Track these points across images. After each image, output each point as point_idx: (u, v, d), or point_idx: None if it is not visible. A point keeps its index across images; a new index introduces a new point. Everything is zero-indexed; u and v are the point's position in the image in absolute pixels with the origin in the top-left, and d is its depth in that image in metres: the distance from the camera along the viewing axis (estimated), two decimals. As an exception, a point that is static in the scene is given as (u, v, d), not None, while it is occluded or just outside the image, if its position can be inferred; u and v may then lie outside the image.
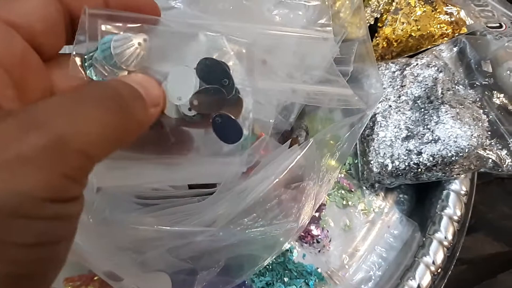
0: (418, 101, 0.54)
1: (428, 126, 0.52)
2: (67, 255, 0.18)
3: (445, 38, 0.59)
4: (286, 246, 0.49)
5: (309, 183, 0.42)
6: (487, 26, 0.61)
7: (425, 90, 0.54)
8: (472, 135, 0.50)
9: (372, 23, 0.59)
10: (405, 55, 0.60)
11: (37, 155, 0.15)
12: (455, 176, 0.53)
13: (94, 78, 0.23)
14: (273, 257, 0.47)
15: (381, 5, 0.59)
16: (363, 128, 0.45)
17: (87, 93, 0.19)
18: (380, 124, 0.54)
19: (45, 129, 0.16)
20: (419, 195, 0.57)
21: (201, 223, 0.35)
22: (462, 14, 0.60)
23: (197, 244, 0.36)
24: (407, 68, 0.56)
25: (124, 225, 0.35)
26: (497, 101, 0.55)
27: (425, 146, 0.51)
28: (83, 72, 0.23)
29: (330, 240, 0.53)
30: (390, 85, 0.56)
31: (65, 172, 0.16)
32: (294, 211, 0.42)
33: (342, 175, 0.56)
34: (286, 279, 0.50)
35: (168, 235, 0.35)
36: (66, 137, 0.16)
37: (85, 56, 0.23)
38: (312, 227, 0.53)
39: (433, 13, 0.59)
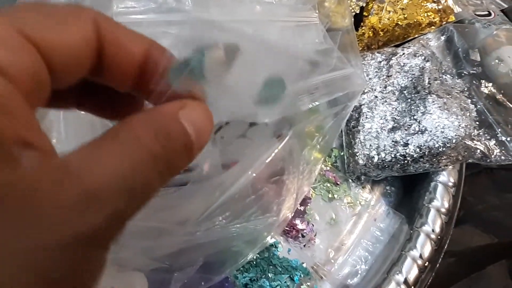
0: (405, 91, 0.53)
1: (415, 117, 0.51)
2: None
3: (433, 27, 0.58)
4: (270, 240, 0.48)
5: (289, 177, 0.40)
6: (475, 14, 0.59)
7: (411, 80, 0.53)
8: (459, 125, 0.49)
9: (358, 12, 0.57)
10: (392, 45, 0.59)
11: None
12: (442, 167, 0.51)
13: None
14: (256, 252, 0.46)
15: (367, -6, 0.58)
16: (346, 119, 0.44)
17: (146, 150, 0.16)
18: (366, 115, 0.53)
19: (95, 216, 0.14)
20: (407, 187, 0.56)
21: (175, 219, 0.34)
22: (450, 2, 0.58)
23: (171, 242, 0.35)
24: (393, 58, 0.54)
25: None
26: (485, 91, 0.54)
27: (412, 137, 0.50)
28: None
29: (315, 234, 0.52)
30: (376, 75, 0.54)
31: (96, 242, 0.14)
32: (275, 205, 0.41)
33: (328, 168, 0.55)
34: (270, 275, 0.49)
35: (140, 232, 0.34)
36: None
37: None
38: (297, 221, 0.51)
39: (420, 1, 0.57)
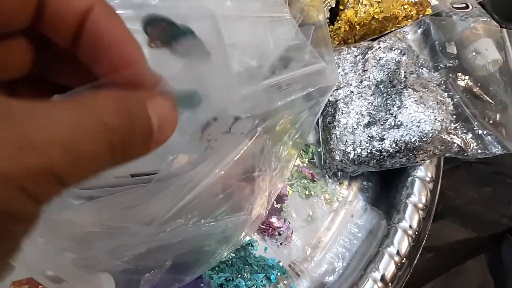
0: (381, 86, 0.52)
1: (391, 111, 0.50)
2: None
3: (409, 20, 0.57)
4: (245, 238, 0.47)
5: (261, 174, 0.40)
6: (452, 6, 0.59)
7: (387, 74, 0.52)
8: (435, 119, 0.48)
9: (334, 5, 0.57)
10: (369, 38, 0.58)
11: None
12: (419, 162, 0.51)
13: None
14: (230, 251, 0.45)
15: (343, -13, 0.57)
16: (318, 114, 0.43)
17: (97, 118, 0.15)
18: (342, 110, 0.52)
19: (33, 157, 0.13)
20: (384, 182, 0.56)
21: (139, 219, 0.33)
22: (427, -6, 0.58)
23: (136, 243, 0.34)
24: (369, 52, 0.54)
25: (60, 224, 0.33)
26: (462, 84, 0.54)
27: (388, 132, 0.49)
28: None
29: (292, 232, 0.51)
30: (352, 70, 0.54)
31: (22, 184, 0.13)
32: (246, 203, 0.40)
33: (305, 165, 0.54)
34: (246, 274, 0.48)
35: (104, 233, 0.33)
36: (33, 142, 0.13)
37: None
38: (274, 219, 0.51)
39: (397, -6, 0.57)
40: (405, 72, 0.52)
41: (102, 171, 0.16)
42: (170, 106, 0.18)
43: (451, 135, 0.50)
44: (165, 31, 0.21)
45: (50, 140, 0.14)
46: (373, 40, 0.57)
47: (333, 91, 0.53)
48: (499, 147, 0.50)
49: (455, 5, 0.59)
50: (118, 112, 0.16)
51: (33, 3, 0.17)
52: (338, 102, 0.53)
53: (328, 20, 0.56)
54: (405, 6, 0.57)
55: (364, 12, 0.56)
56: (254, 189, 0.40)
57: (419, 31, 0.57)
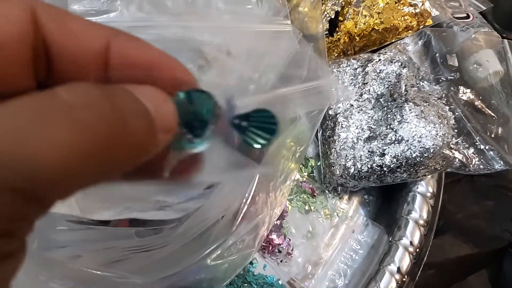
0: (381, 99, 0.51)
1: (391, 126, 0.49)
2: None
3: (410, 31, 0.57)
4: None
5: (264, 215, 0.39)
6: (453, 16, 0.58)
7: (388, 87, 0.51)
8: (437, 134, 0.48)
9: (333, 17, 0.56)
10: (369, 50, 0.57)
11: None
12: (421, 177, 0.50)
13: None
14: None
15: (342, -2, 0.56)
16: (316, 129, 0.42)
17: (57, 100, 0.12)
18: (342, 124, 0.51)
19: None
20: (385, 196, 0.55)
21: (132, 270, 0.32)
22: (427, 5, 0.57)
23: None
24: (369, 65, 0.53)
25: (53, 264, 0.32)
26: (464, 97, 0.53)
27: (388, 147, 0.48)
28: None
29: (292, 249, 0.50)
30: (352, 83, 0.53)
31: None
32: (250, 241, 0.39)
33: (304, 179, 0.53)
34: (245, 293, 0.47)
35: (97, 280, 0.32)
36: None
37: None
38: (274, 236, 0.50)
39: (397, 4, 0.56)
40: (405, 85, 0.51)
41: (90, 180, 0.13)
42: (162, 94, 0.15)
43: (452, 150, 0.50)
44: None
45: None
46: (373, 51, 0.56)
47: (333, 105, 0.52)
48: (502, 162, 0.49)
49: (456, 15, 0.58)
50: (87, 91, 0.13)
51: (26, 68, 0.14)
52: (337, 116, 0.52)
53: (327, 32, 0.56)
54: (406, 17, 0.56)
55: (364, 23, 0.55)
56: (258, 227, 0.39)
57: (419, 42, 0.56)
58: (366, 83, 0.52)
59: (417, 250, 0.48)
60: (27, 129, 0.11)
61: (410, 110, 0.49)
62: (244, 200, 0.35)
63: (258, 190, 0.37)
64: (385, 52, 0.54)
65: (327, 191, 0.53)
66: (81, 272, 0.30)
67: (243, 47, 0.45)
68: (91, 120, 0.12)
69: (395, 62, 0.52)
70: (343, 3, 0.56)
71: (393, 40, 0.57)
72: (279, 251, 0.50)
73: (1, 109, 0.11)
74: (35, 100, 0.12)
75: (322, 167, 0.53)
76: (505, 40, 0.56)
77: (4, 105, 0.12)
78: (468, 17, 0.59)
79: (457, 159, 0.49)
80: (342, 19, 0.56)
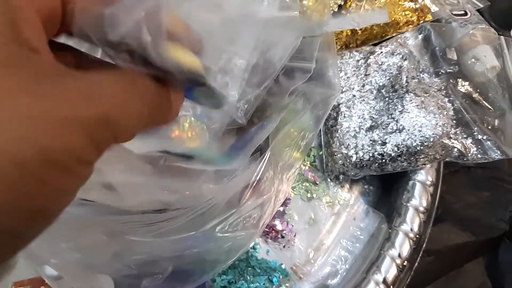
0: (383, 90, 0.53)
1: (393, 116, 0.50)
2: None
3: (410, 26, 0.58)
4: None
5: (270, 196, 0.39)
6: (452, 13, 0.60)
7: (389, 79, 0.53)
8: (437, 124, 0.49)
9: (336, 10, 0.57)
10: (370, 43, 0.59)
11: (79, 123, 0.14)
12: (420, 166, 0.52)
13: None
14: (235, 259, 0.45)
15: (345, -8, 0.57)
16: (323, 120, 0.43)
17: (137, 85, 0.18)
18: (344, 114, 0.52)
19: (97, 106, 0.15)
20: (385, 186, 0.56)
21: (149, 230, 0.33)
22: (427, 1, 0.58)
23: (139, 249, 0.34)
24: (371, 57, 0.54)
25: (70, 224, 0.33)
26: (462, 89, 0.54)
27: (390, 136, 0.50)
28: None
29: (295, 235, 0.51)
30: (354, 74, 0.54)
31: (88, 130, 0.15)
32: (254, 222, 0.40)
33: (307, 168, 0.55)
34: (249, 277, 0.48)
35: (112, 240, 0.33)
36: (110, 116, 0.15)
37: None
38: (277, 222, 0.51)
39: (398, 0, 0.57)
40: (406, 77, 0.52)
41: (139, 130, 0.18)
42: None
43: (451, 140, 0.51)
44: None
45: (110, 94, 0.16)
46: (375, 45, 0.57)
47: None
48: (498, 152, 0.51)
49: (454, 12, 0.60)
50: (152, 82, 0.18)
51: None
52: (340, 105, 0.53)
53: (330, 25, 0.57)
54: (406, 12, 0.57)
55: (366, 17, 0.56)
56: (262, 210, 0.40)
57: (419, 37, 0.58)
58: (368, 74, 0.53)
59: (417, 236, 0.49)
60: (123, 97, 0.16)
61: (411, 100, 0.50)
62: (255, 175, 0.36)
63: (267, 168, 0.38)
64: (387, 45, 0.55)
65: (329, 179, 0.54)
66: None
67: (247, 37, 0.45)
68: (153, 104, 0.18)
69: (396, 55, 0.54)
70: (346, -3, 0.57)
71: (394, 34, 0.58)
72: (282, 237, 0.51)
73: (106, 77, 0.16)
74: (128, 81, 0.17)
75: (324, 156, 0.54)
76: (502, 37, 0.58)
77: (109, 73, 0.17)
78: (466, 14, 0.61)
79: (455, 148, 0.51)
80: (345, 13, 0.57)
